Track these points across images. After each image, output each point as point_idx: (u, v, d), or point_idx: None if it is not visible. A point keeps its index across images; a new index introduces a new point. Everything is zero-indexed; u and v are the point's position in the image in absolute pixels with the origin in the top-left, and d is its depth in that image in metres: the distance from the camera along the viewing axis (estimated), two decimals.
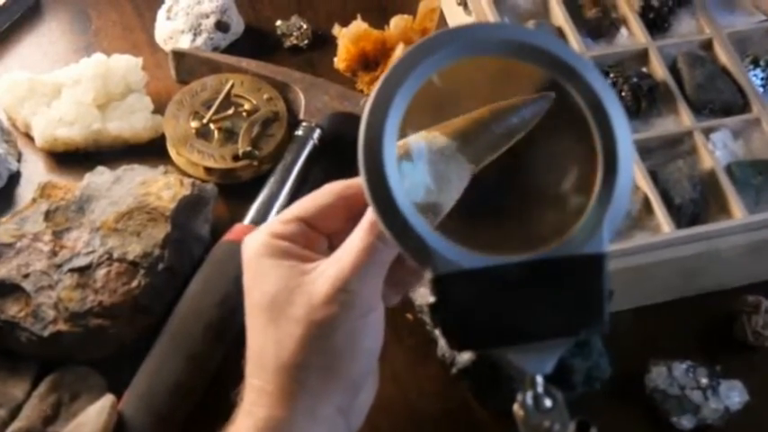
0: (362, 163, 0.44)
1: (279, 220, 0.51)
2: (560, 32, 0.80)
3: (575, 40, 0.78)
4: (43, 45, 0.88)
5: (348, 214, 0.50)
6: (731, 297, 0.70)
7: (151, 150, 0.79)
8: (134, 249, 0.67)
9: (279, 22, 0.88)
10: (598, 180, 0.47)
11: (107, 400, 0.61)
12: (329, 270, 0.48)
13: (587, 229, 0.46)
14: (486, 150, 0.50)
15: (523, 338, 0.45)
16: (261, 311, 0.49)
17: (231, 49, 0.87)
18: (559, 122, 0.50)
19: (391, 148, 0.45)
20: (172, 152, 0.77)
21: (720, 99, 0.75)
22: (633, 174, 0.47)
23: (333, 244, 0.51)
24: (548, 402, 0.44)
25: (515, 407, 0.43)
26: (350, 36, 0.79)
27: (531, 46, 0.46)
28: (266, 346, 0.48)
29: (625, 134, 0.47)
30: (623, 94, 0.74)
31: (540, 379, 0.45)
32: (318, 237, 0.51)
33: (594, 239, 0.45)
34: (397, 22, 0.80)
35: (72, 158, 0.79)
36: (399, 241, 0.44)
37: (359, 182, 0.49)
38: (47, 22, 0.90)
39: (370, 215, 0.47)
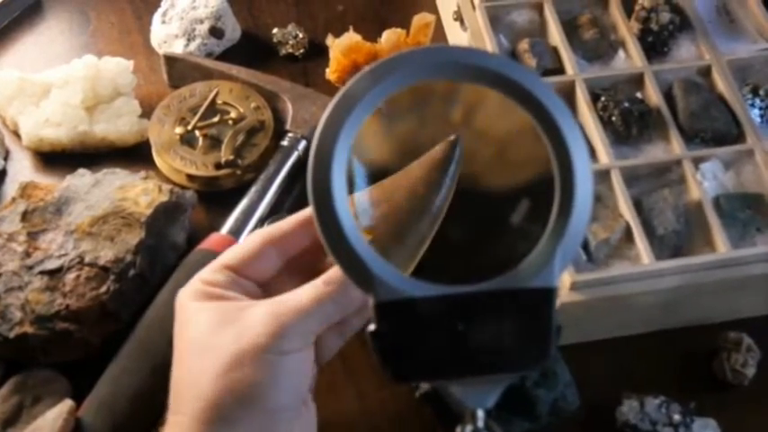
0: (310, 186, 0.44)
1: (208, 269, 0.50)
2: (555, 52, 0.78)
3: (568, 60, 0.76)
4: (41, 44, 0.88)
5: (280, 262, 0.50)
6: (713, 332, 0.69)
7: (137, 154, 0.79)
8: (106, 254, 0.66)
9: (275, 30, 0.88)
10: (554, 211, 0.45)
11: (65, 405, 0.60)
12: (268, 308, 0.47)
13: (538, 261, 0.44)
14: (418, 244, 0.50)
15: (464, 372, 0.43)
16: (186, 348, 0.49)
17: (227, 55, 0.87)
18: (520, 148, 0.48)
19: (340, 172, 0.44)
20: (156, 157, 0.77)
21: (713, 128, 0.73)
22: (591, 206, 0.45)
23: (268, 292, 0.50)
24: None
25: None
26: (341, 48, 0.78)
27: (487, 71, 0.45)
28: (186, 378, 0.47)
29: (584, 165, 0.46)
30: (613, 118, 0.73)
31: (480, 413, 0.43)
32: (251, 285, 0.51)
33: (544, 273, 0.44)
34: (388, 36, 0.79)
35: (58, 159, 0.79)
36: (342, 265, 0.43)
37: (288, 226, 0.49)
38: (46, 20, 0.90)
39: (332, 271, 0.47)
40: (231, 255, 0.51)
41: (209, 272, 0.51)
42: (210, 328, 0.48)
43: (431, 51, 0.44)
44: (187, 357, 0.49)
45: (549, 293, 0.44)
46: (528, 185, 0.48)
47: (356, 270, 0.43)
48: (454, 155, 0.50)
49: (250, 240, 0.51)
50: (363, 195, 0.51)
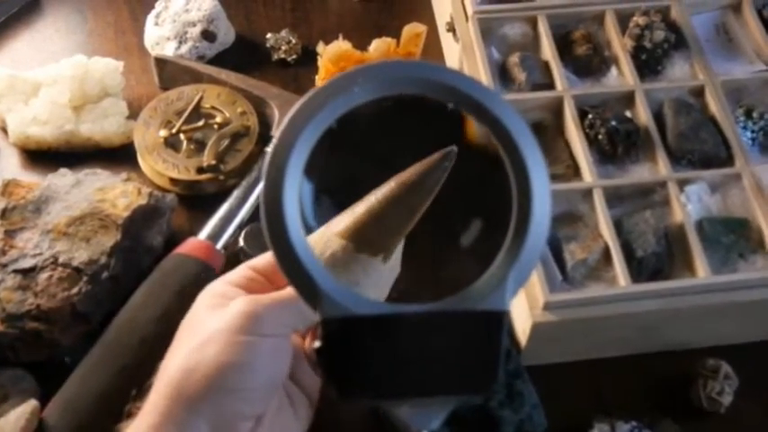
0: (262, 202, 0.43)
1: (236, 270, 0.51)
2: (546, 67, 0.77)
3: (558, 76, 0.75)
4: (36, 42, 0.89)
5: None
6: (691, 358, 0.67)
7: (122, 155, 0.79)
8: (80, 255, 0.66)
9: (268, 35, 0.87)
10: (509, 233, 0.44)
11: (28, 405, 0.60)
12: (250, 296, 0.48)
13: (490, 284, 0.43)
14: (391, 237, 0.48)
15: (409, 394, 0.43)
16: (179, 331, 0.49)
17: (219, 58, 0.87)
18: (481, 165, 0.47)
19: (292, 189, 0.43)
20: (140, 159, 0.77)
21: (702, 150, 0.72)
22: (547, 230, 0.44)
23: None
24: None
25: None
26: (330, 55, 0.78)
27: (446, 88, 0.44)
28: (167, 357, 0.48)
29: (542, 187, 0.44)
30: (600, 136, 0.72)
31: None
32: (273, 291, 0.51)
33: (496, 296, 0.43)
34: (378, 45, 0.78)
35: (45, 157, 0.79)
36: (289, 278, 0.43)
37: None
38: (44, 18, 0.91)
39: None
40: (259, 258, 0.52)
41: (234, 270, 0.51)
42: (203, 313, 0.49)
43: (388, 67, 0.43)
44: (176, 338, 0.49)
45: (499, 317, 0.43)
46: (488, 206, 0.47)
47: (303, 285, 0.43)
48: (444, 164, 0.48)
49: None
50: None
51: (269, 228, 0.43)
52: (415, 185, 0.48)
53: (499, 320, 0.43)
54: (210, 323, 0.47)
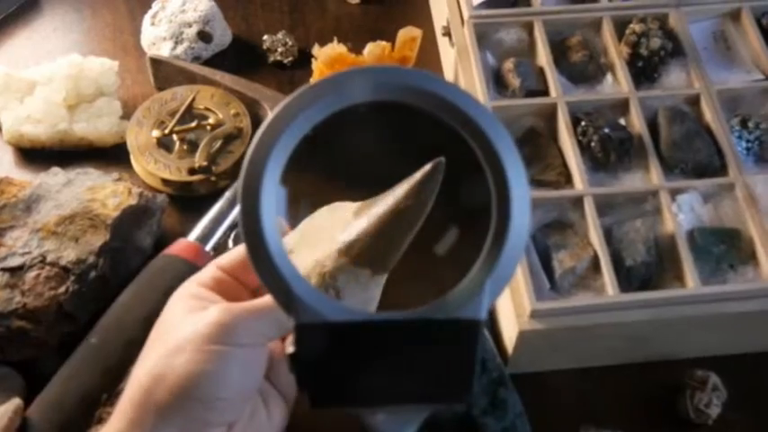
0: (240, 207, 0.43)
1: (204, 269, 0.52)
2: (541, 73, 0.77)
3: (553, 82, 0.75)
4: (34, 40, 0.89)
5: None
6: (679, 369, 0.67)
7: (116, 155, 0.79)
8: (68, 255, 0.66)
9: (265, 37, 0.87)
10: (488, 241, 0.44)
11: (11, 404, 0.60)
12: (227, 304, 0.48)
13: (466, 292, 0.43)
14: (392, 253, 0.49)
15: (382, 401, 0.43)
16: (151, 336, 0.49)
17: (215, 59, 0.87)
18: (463, 173, 0.47)
19: (269, 194, 0.43)
20: (132, 160, 0.77)
21: (695, 159, 0.71)
22: (526, 238, 0.44)
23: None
24: None
25: None
26: (324, 58, 0.77)
27: (426, 94, 0.44)
28: (138, 363, 0.48)
29: (521, 195, 0.44)
30: (592, 144, 0.71)
31: None
32: (243, 289, 0.51)
33: (472, 305, 0.43)
34: (372, 49, 0.78)
35: (39, 155, 0.79)
36: (265, 282, 0.43)
37: None
38: (42, 17, 0.91)
39: None
40: (225, 257, 0.52)
41: (203, 271, 0.52)
42: (176, 318, 0.49)
43: (364, 73, 0.43)
44: (148, 343, 0.49)
45: (474, 326, 0.43)
46: (468, 214, 0.47)
47: (279, 290, 0.42)
48: (435, 176, 0.48)
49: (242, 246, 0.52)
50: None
51: (246, 232, 0.43)
52: (412, 200, 0.48)
53: (474, 330, 0.43)
54: (183, 329, 0.46)
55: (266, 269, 0.43)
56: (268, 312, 0.47)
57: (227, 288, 0.51)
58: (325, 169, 0.51)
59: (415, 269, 0.49)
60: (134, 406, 0.45)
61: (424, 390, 0.43)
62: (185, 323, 0.47)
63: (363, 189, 0.51)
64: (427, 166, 0.47)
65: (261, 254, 0.43)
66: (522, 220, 0.44)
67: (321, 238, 0.51)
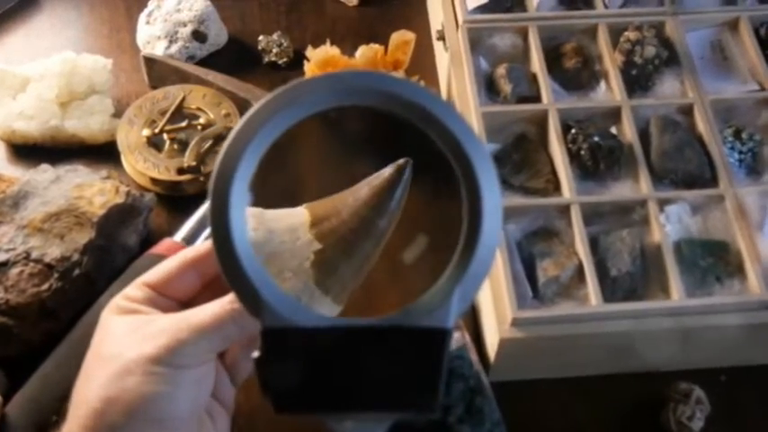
0: (209, 207, 0.43)
1: (131, 285, 0.51)
2: (534, 79, 0.77)
3: (545, 88, 0.75)
4: (32, 37, 0.89)
5: (199, 282, 0.50)
6: (663, 381, 0.66)
7: (107, 153, 0.79)
8: (53, 252, 0.66)
9: (260, 38, 0.87)
10: (458, 248, 0.44)
11: None
12: (170, 321, 0.47)
13: (434, 300, 0.43)
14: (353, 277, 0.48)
15: (347, 408, 0.42)
16: (90, 357, 0.49)
17: (210, 59, 0.87)
18: (436, 178, 0.47)
19: (240, 192, 0.43)
20: (122, 158, 0.77)
21: (685, 170, 0.70)
22: (496, 246, 0.44)
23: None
24: None
25: None
26: (316, 60, 0.77)
27: (396, 97, 0.43)
28: (82, 386, 0.47)
29: (493, 202, 0.44)
30: (582, 152, 0.71)
31: None
32: (171, 303, 0.51)
33: (440, 313, 0.42)
34: (364, 52, 0.77)
35: (31, 151, 0.80)
36: (232, 284, 0.43)
37: (205, 248, 0.50)
38: (40, 14, 0.91)
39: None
40: (152, 273, 0.51)
41: (130, 288, 0.51)
42: (116, 338, 0.48)
43: (335, 78, 0.43)
44: (88, 365, 0.48)
45: (441, 335, 0.42)
46: (438, 221, 0.47)
47: (245, 293, 0.42)
48: (402, 179, 0.49)
49: (170, 261, 0.52)
50: (314, 207, 0.50)
51: (214, 231, 0.43)
52: (379, 207, 0.48)
53: (442, 338, 0.42)
54: (128, 350, 0.45)
55: (233, 271, 0.42)
56: (216, 329, 0.47)
57: (157, 303, 0.51)
58: (290, 174, 0.50)
59: (386, 277, 0.48)
60: (86, 430, 0.45)
61: (391, 398, 0.43)
62: (128, 342, 0.46)
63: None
64: (389, 168, 0.47)
65: (228, 256, 0.42)
66: (492, 227, 0.43)
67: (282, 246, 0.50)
